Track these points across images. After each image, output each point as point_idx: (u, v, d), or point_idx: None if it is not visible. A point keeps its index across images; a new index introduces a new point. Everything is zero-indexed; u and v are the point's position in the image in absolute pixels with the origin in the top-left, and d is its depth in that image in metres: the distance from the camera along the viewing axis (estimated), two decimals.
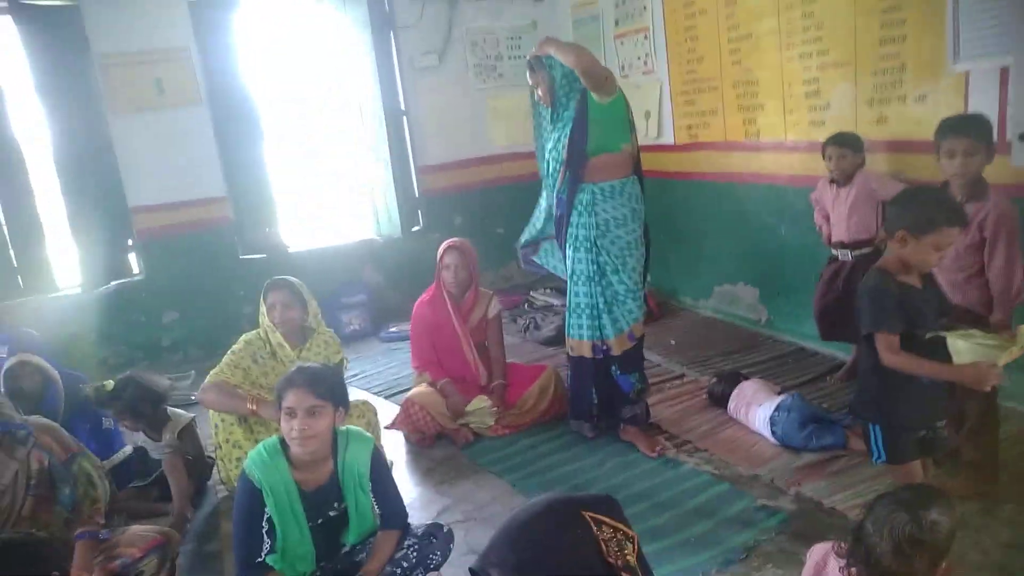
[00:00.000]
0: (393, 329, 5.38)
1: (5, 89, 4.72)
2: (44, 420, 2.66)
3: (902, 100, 3.40)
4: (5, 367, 3.06)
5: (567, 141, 3.02)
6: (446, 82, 5.77)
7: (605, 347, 3.14)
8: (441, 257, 3.60)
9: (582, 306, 3.15)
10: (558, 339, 4.74)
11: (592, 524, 1.27)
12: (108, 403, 3.10)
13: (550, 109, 3.14)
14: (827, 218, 3.47)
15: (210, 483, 3.31)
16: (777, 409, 3.02)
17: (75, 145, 4.87)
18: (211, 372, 3.06)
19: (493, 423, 3.44)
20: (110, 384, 3.12)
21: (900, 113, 3.42)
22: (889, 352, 1.99)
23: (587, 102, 2.96)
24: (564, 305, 5.09)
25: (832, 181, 3.40)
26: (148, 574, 2.50)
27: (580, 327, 3.17)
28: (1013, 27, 2.82)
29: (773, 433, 3.01)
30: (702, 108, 4.66)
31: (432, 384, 3.52)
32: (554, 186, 3.17)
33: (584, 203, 3.07)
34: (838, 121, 3.69)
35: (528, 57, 3.13)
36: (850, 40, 3.59)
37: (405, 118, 5.73)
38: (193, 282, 5.14)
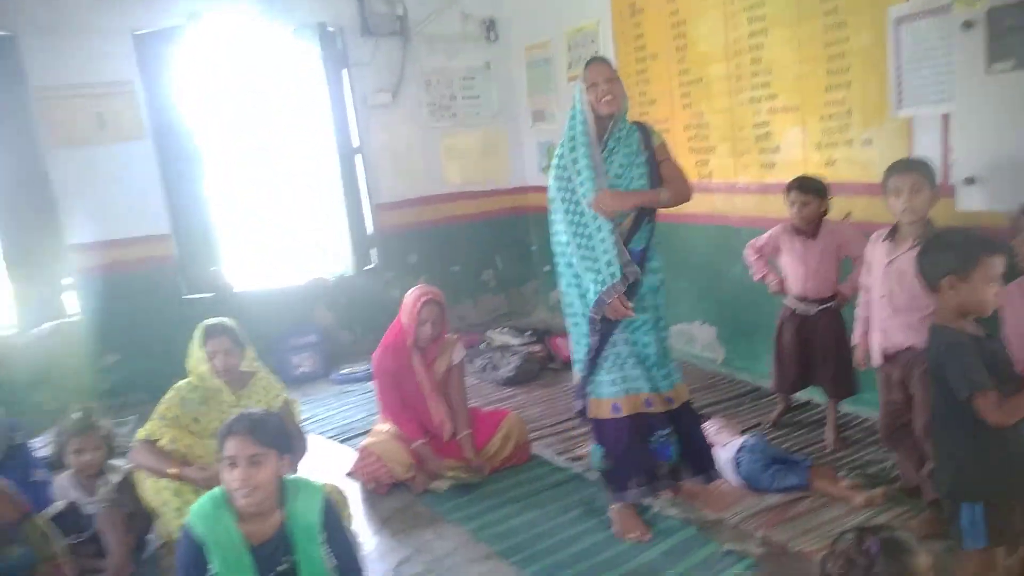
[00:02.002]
0: (346, 371, 5.23)
1: None
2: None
3: (849, 144, 3.51)
4: None
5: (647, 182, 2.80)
6: (400, 120, 5.75)
7: (665, 400, 2.83)
8: (418, 311, 3.39)
9: (639, 356, 2.80)
10: (517, 379, 4.70)
11: None
12: (88, 431, 2.97)
13: (583, 153, 2.74)
14: (764, 263, 3.46)
15: (149, 536, 3.11)
16: (740, 450, 3.01)
17: (9, 179, 4.65)
18: (141, 429, 2.95)
19: (473, 479, 3.32)
20: (77, 414, 3.01)
21: (848, 156, 3.52)
22: (996, 411, 1.83)
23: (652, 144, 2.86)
24: (522, 344, 5.13)
25: (797, 230, 3.30)
26: None
27: (636, 379, 2.80)
28: (952, 75, 2.94)
29: (738, 474, 2.99)
30: None
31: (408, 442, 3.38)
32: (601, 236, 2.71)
33: (654, 247, 2.84)
34: (788, 164, 3.78)
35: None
36: (798, 85, 3.70)
37: (359, 156, 5.67)
38: (135, 322, 4.92)
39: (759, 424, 3.63)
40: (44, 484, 3.10)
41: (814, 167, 3.63)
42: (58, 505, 2.96)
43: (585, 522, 2.92)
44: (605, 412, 2.79)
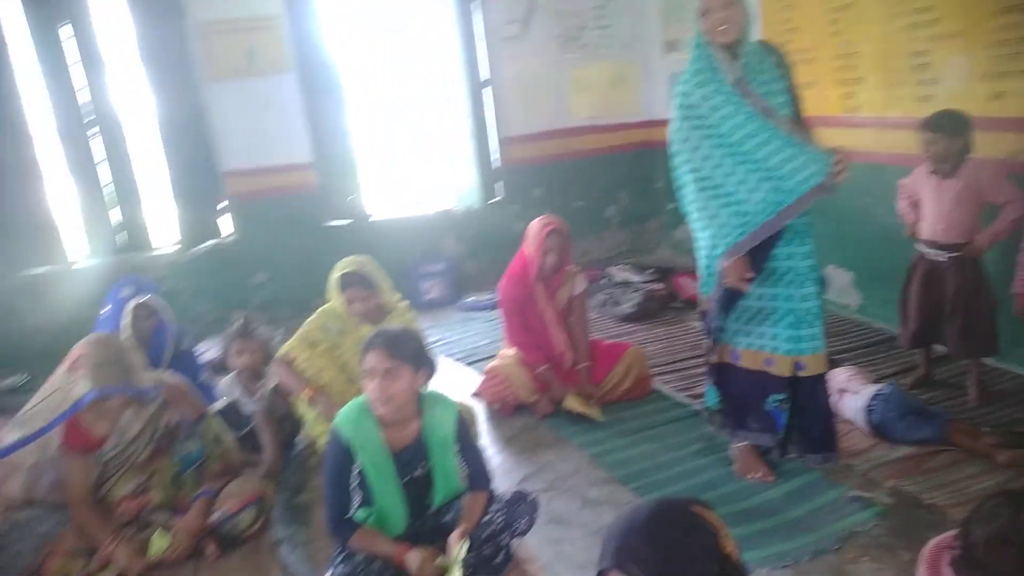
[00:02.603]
0: (471, 299, 5.43)
1: (110, 59, 4.93)
2: (177, 380, 2.80)
3: (1022, 75, 3.18)
4: (129, 307, 3.23)
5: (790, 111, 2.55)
6: (529, 52, 5.71)
7: (794, 364, 2.64)
8: (543, 240, 3.44)
9: (781, 311, 2.62)
10: (637, 316, 4.71)
11: (703, 518, 1.26)
12: (253, 334, 3.33)
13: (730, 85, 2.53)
14: (914, 206, 3.22)
15: (297, 438, 3.42)
16: (874, 397, 2.91)
17: (173, 111, 5.05)
18: (284, 346, 3.15)
19: (591, 414, 3.34)
20: (240, 322, 3.34)
21: (1020, 89, 3.20)
22: None
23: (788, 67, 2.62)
24: (644, 281, 5.11)
25: (933, 169, 3.05)
26: (244, 526, 2.64)
27: (761, 336, 2.67)
28: None
29: (869, 423, 2.90)
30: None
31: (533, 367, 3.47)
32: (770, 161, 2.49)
33: None
34: (948, 97, 3.48)
35: None
36: (964, 9, 3.36)
37: (488, 88, 5.72)
38: (281, 245, 5.29)
39: (896, 374, 3.47)
40: (209, 386, 3.46)
41: (979, 101, 3.32)
42: (221, 402, 3.31)
43: (705, 457, 2.95)
44: (724, 356, 2.75)
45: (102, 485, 2.64)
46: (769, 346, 2.65)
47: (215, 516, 2.62)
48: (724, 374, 2.77)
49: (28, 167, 4.88)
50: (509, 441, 3.27)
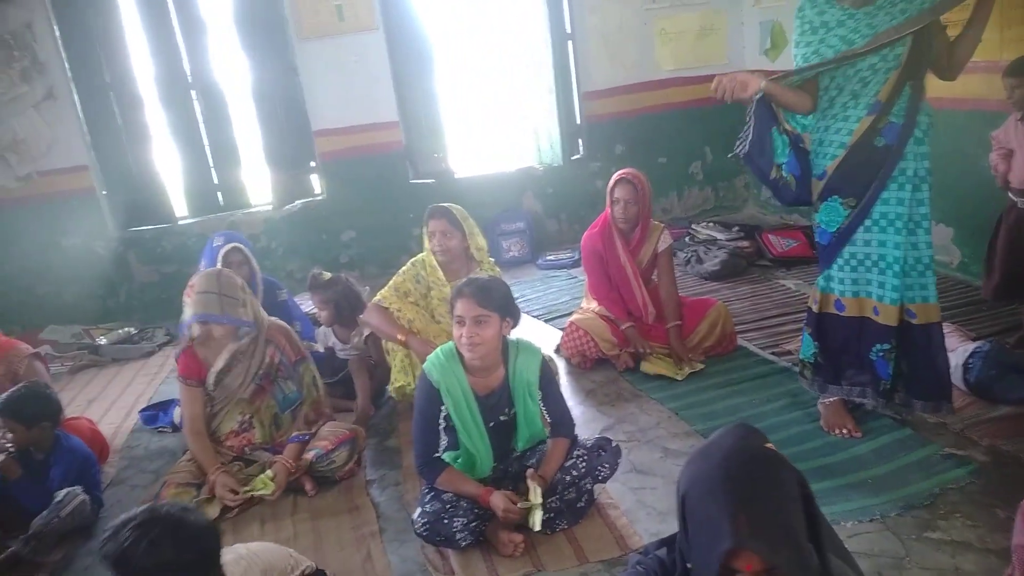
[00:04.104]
0: (551, 257, 5.46)
1: (209, 25, 5.13)
2: (280, 322, 2.98)
3: None
4: (221, 253, 3.43)
5: (912, 40, 2.34)
6: (613, 3, 5.58)
7: (904, 311, 2.52)
8: (612, 189, 3.46)
9: (890, 259, 2.49)
10: (722, 273, 4.63)
11: (779, 455, 1.27)
12: (321, 288, 3.43)
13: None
14: (1006, 157, 3.08)
15: (388, 386, 3.56)
16: (971, 355, 2.79)
17: (266, 73, 5.23)
18: (378, 294, 3.24)
19: (674, 375, 3.33)
20: (327, 275, 3.46)
21: None
22: None
23: None
24: (729, 239, 5.01)
25: (1021, 118, 2.97)
26: (338, 464, 2.80)
27: (868, 283, 2.56)
28: None
29: (966, 381, 2.79)
30: None
31: (616, 321, 3.48)
32: (855, 104, 2.44)
33: (923, 128, 2.43)
34: None
35: None
36: None
37: (570, 41, 5.65)
38: (368, 203, 5.45)
39: (998, 333, 3.30)
40: (305, 334, 3.63)
41: None
42: (318, 349, 3.49)
43: (790, 412, 2.91)
44: (827, 306, 2.66)
45: (212, 419, 2.85)
46: (876, 294, 2.56)
47: (310, 454, 2.78)
48: (823, 324, 2.69)
49: (138, 129, 5.19)
50: (589, 394, 3.31)
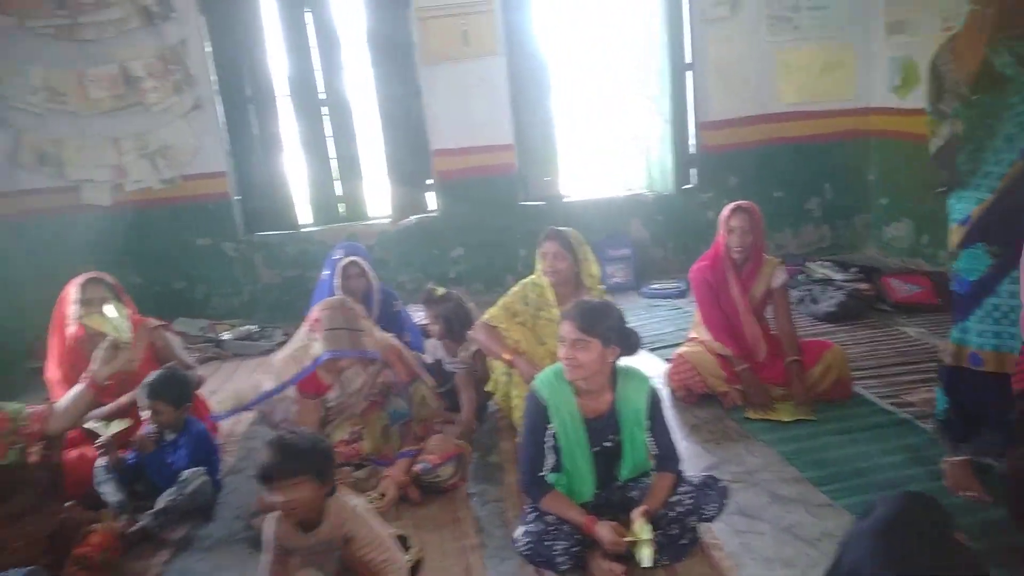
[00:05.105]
0: (656, 286, 5.41)
1: (343, 43, 5.43)
2: (395, 342, 3.10)
3: None
4: (340, 266, 3.60)
5: None
6: (736, 34, 5.54)
7: None
8: (727, 218, 3.41)
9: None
10: (838, 315, 4.46)
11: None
12: (434, 303, 3.56)
13: None
14: None
15: (490, 402, 3.63)
16: None
17: (392, 93, 5.48)
18: (487, 312, 3.31)
19: (802, 415, 3.22)
20: (440, 290, 3.58)
21: None
22: None
23: None
24: (846, 280, 4.81)
25: None
26: (443, 478, 2.87)
27: (1012, 337, 2.44)
28: None
29: None
30: None
31: (729, 358, 3.40)
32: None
33: None
34: None
35: None
36: None
37: (690, 72, 5.62)
38: (479, 222, 5.59)
39: None
40: (414, 345, 3.75)
41: None
42: (426, 359, 3.60)
43: (910, 468, 2.76)
44: (962, 359, 2.53)
45: (325, 427, 2.99)
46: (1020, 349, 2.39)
47: (418, 467, 2.87)
48: (956, 378, 2.56)
49: (271, 140, 5.54)
50: (693, 429, 3.26)
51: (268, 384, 2.95)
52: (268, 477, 2.02)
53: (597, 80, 6.50)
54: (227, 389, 3.24)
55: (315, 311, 2.92)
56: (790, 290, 4.73)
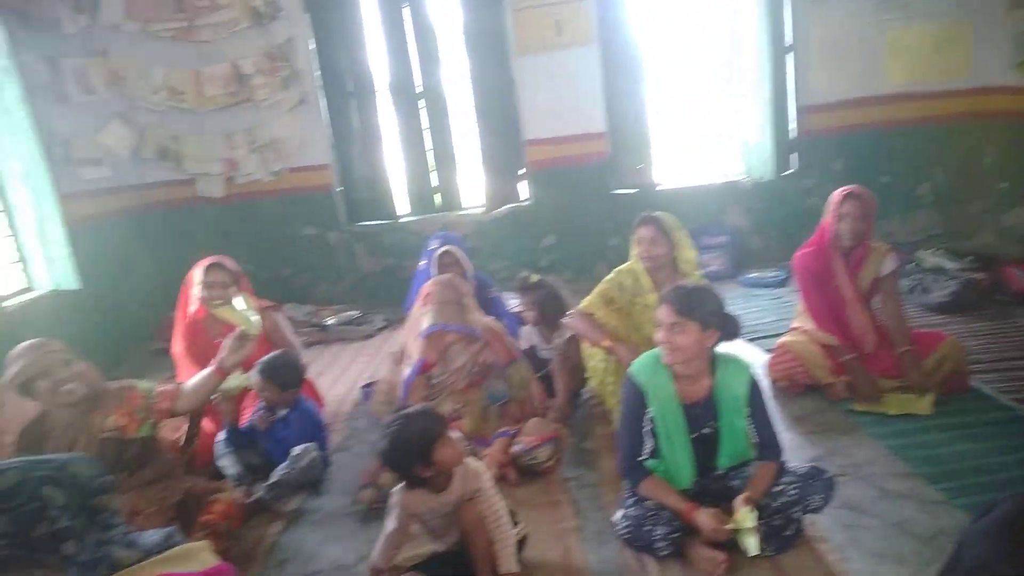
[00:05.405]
0: (754, 275, 5.29)
1: (439, 37, 5.55)
2: (497, 325, 3.18)
3: None
4: (436, 255, 3.71)
5: None
6: (841, 13, 5.31)
7: None
8: (838, 205, 3.28)
9: None
10: (951, 306, 4.24)
11: None
12: (528, 290, 3.61)
13: None
14: None
15: (584, 388, 3.65)
16: None
17: (486, 84, 5.56)
18: (583, 301, 3.32)
19: (918, 411, 3.07)
20: (535, 277, 3.63)
21: None
22: None
23: None
24: (961, 269, 4.55)
25: None
26: (540, 460, 2.92)
27: None
28: None
29: None
30: None
31: (835, 348, 3.28)
32: None
33: None
34: None
35: None
36: None
37: (790, 54, 5.44)
38: (570, 211, 5.61)
39: None
40: (510, 331, 3.81)
41: None
42: (522, 346, 3.65)
43: None
44: None
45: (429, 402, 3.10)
46: None
47: (516, 448, 2.93)
48: None
49: (371, 133, 5.74)
50: (797, 420, 3.18)
51: (407, 370, 3.08)
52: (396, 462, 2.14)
53: (692, 65, 6.38)
54: (378, 391, 3.43)
55: (426, 287, 3.04)
56: (900, 279, 4.55)
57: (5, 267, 4.52)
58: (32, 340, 2.49)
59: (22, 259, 4.61)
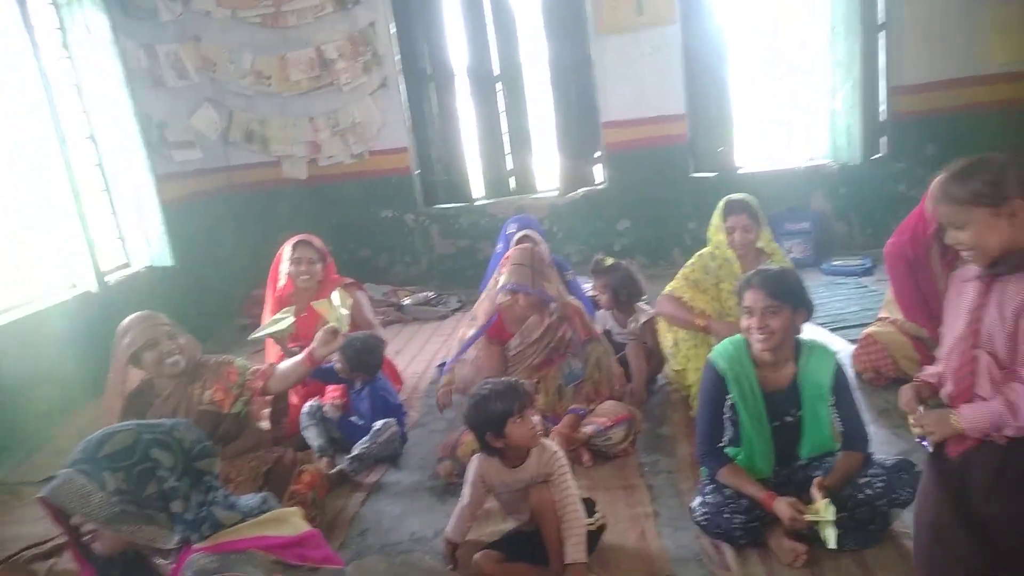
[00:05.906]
0: (838, 263, 5.11)
1: (517, 20, 5.53)
2: (577, 302, 3.20)
3: None
4: (514, 239, 3.73)
5: None
6: None
7: None
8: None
9: None
10: None
11: None
12: (603, 273, 3.60)
13: None
14: None
15: (660, 375, 3.62)
16: None
17: (564, 63, 5.53)
18: (668, 286, 3.29)
19: None
20: (609, 260, 3.62)
21: None
22: None
23: None
24: None
25: None
26: (614, 441, 2.92)
27: None
28: None
29: None
30: None
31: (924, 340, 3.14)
32: None
33: None
34: None
35: None
36: None
37: (883, 32, 5.19)
38: (646, 194, 5.54)
39: None
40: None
41: None
42: (597, 330, 3.65)
43: None
44: None
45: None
46: None
47: (589, 428, 2.93)
48: None
49: (449, 116, 5.80)
50: (883, 413, 3.07)
51: (470, 331, 3.16)
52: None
53: (777, 45, 6.17)
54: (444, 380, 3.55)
55: (509, 252, 3.08)
56: None
57: (107, 244, 4.78)
58: (140, 312, 2.64)
59: (120, 237, 4.88)
